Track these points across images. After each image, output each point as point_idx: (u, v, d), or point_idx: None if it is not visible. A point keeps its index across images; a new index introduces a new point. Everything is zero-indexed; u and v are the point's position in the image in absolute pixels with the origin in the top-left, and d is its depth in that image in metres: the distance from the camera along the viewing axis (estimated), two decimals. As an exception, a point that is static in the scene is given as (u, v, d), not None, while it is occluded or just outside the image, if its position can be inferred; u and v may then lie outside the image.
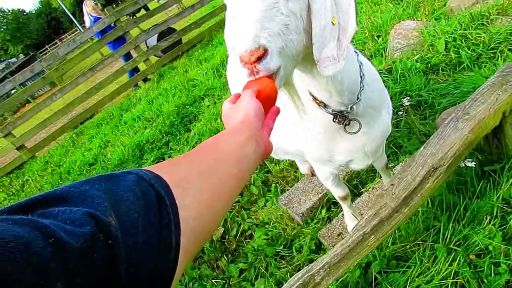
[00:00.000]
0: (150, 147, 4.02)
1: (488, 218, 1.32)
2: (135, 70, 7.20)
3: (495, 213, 1.33)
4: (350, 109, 1.07)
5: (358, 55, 1.10)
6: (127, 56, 7.09)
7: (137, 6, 7.43)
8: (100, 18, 6.62)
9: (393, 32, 3.20)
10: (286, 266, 1.89)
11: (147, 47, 7.78)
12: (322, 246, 1.86)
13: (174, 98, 5.06)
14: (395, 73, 2.69)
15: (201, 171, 0.52)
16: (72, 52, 10.00)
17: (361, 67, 1.07)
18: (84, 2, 6.84)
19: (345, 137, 1.16)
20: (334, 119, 1.10)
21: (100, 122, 6.24)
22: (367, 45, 3.45)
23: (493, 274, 1.21)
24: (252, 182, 2.60)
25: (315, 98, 1.08)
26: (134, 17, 7.69)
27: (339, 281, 1.48)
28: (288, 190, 2.31)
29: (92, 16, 6.76)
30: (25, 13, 53.99)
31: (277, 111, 0.78)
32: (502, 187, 1.36)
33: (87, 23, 6.93)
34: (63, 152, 5.91)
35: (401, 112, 2.20)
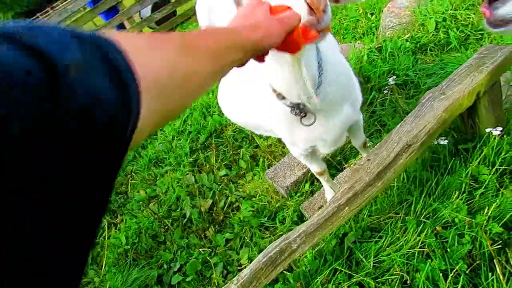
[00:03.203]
0: (142, 120, 4.05)
1: (456, 193, 1.41)
2: (128, 42, 7.09)
3: (463, 189, 1.41)
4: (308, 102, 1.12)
5: (319, 50, 1.08)
6: (120, 27, 6.98)
7: (130, -25, 7.23)
8: (92, -14, 6.47)
9: (386, 10, 3.20)
10: (269, 236, 1.98)
11: (141, 18, 7.64)
12: (304, 218, 1.95)
13: (167, 71, 5.04)
14: (385, 52, 2.72)
15: (194, 52, 0.49)
16: (63, 22, 9.75)
17: (320, 62, 1.07)
18: (75, -31, 6.64)
19: (303, 126, 1.21)
20: (292, 111, 1.14)
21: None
22: (360, 22, 3.45)
23: (456, 244, 1.31)
24: (241, 157, 2.67)
25: (274, 91, 1.12)
26: (128, -14, 7.52)
27: (316, 250, 1.58)
28: (275, 164, 2.38)
29: (84, -15, 6.59)
30: (15, -21, 52.08)
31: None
32: (471, 164, 1.43)
33: (79, -8, 6.76)
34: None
35: (386, 91, 2.25)
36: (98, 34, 0.38)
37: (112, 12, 6.66)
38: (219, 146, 2.89)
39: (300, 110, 1.14)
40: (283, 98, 1.12)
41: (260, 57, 0.72)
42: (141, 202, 2.80)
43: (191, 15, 7.48)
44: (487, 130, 1.40)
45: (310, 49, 1.01)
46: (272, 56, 0.98)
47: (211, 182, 2.59)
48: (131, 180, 3.15)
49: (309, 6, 0.69)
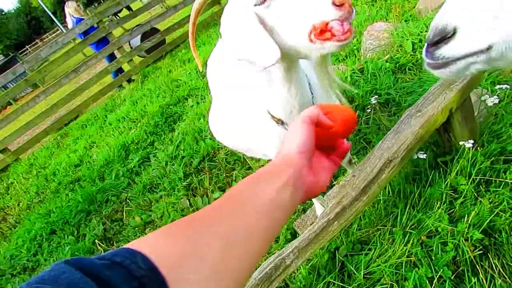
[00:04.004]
0: (135, 147, 4.12)
1: (438, 203, 1.49)
2: (119, 70, 7.25)
3: (444, 199, 1.50)
4: None
5: (306, 75, 1.19)
6: (111, 57, 7.13)
7: (119, 7, 7.46)
8: (82, 19, 6.64)
9: (366, 33, 3.37)
10: (264, 255, 2.03)
11: (131, 47, 7.82)
12: (297, 235, 2.01)
13: (158, 98, 5.15)
14: (367, 73, 2.86)
15: (226, 234, 0.45)
16: (54, 53, 9.92)
17: (310, 84, 1.19)
18: (66, 3, 6.84)
19: None
20: None
21: (85, 123, 6.28)
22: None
23: (440, 252, 1.38)
24: (234, 179, 2.74)
25: (273, 117, 1.21)
26: (117, 17, 7.74)
27: (309, 265, 1.63)
28: (267, 185, 2.45)
29: (74, 17, 6.77)
30: (3, 13, 52.79)
31: (348, 148, 0.72)
32: (450, 176, 1.53)
33: (70, 25, 6.94)
34: (48, 154, 5.93)
35: (369, 110, 2.37)
36: (124, 255, 0.39)
37: (102, 43, 6.82)
38: (212, 170, 2.96)
39: None
40: (282, 123, 1.21)
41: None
42: (136, 229, 2.83)
43: (179, 42, 7.69)
44: (461, 143, 1.50)
45: (303, 74, 1.12)
46: (276, 84, 1.08)
47: (206, 205, 2.64)
48: (126, 207, 3.18)
49: (335, 4, 0.76)
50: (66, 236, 3.26)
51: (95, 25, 6.63)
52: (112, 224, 3.09)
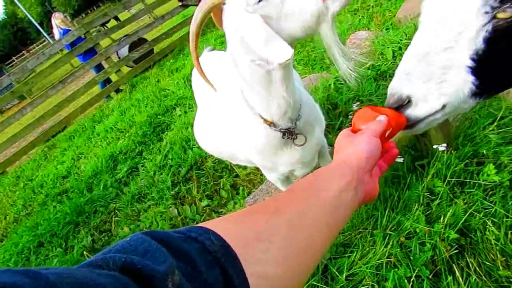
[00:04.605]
0: (123, 157, 4.12)
1: (416, 205, 1.55)
2: (107, 81, 7.24)
3: (421, 201, 1.56)
4: (295, 124, 1.26)
5: None
6: (99, 67, 7.13)
7: (106, 17, 7.49)
8: (69, 30, 6.64)
9: (349, 41, 3.46)
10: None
11: (119, 57, 7.84)
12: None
13: (146, 108, 5.17)
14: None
15: (291, 221, 0.47)
16: (41, 65, 9.87)
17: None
18: (53, 15, 6.85)
19: (285, 151, 1.34)
20: (283, 136, 1.27)
21: (73, 135, 6.24)
22: (326, 53, 3.70)
23: (419, 252, 1.43)
24: (221, 187, 2.77)
25: (266, 120, 1.24)
26: (105, 27, 7.78)
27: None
28: (254, 192, 2.49)
29: (61, 29, 6.76)
30: (-11, 25, 52.29)
31: (396, 155, 0.75)
32: (427, 178, 1.59)
33: (56, 36, 6.93)
34: (35, 166, 5.87)
35: (350, 116, 2.43)
36: (198, 232, 0.41)
37: (90, 53, 6.81)
38: (200, 178, 2.98)
39: (291, 133, 1.28)
40: (275, 125, 1.25)
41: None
42: (125, 238, 2.82)
43: (167, 52, 7.74)
44: (434, 146, 1.57)
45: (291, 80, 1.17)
46: (277, 84, 1.12)
47: (194, 214, 2.66)
48: (114, 217, 3.17)
49: None
50: (54, 248, 3.24)
51: (83, 36, 6.63)
52: (100, 235, 3.08)
